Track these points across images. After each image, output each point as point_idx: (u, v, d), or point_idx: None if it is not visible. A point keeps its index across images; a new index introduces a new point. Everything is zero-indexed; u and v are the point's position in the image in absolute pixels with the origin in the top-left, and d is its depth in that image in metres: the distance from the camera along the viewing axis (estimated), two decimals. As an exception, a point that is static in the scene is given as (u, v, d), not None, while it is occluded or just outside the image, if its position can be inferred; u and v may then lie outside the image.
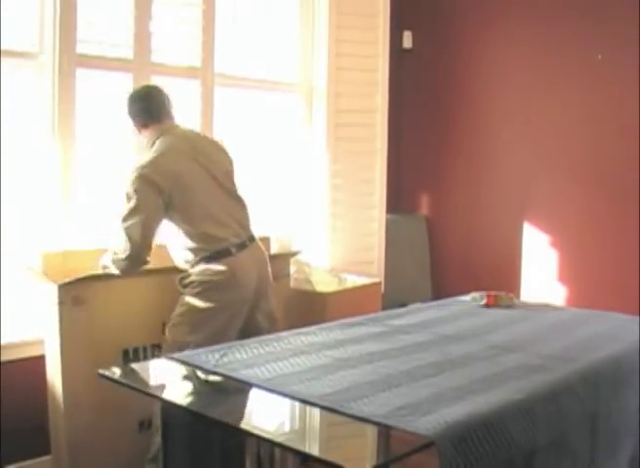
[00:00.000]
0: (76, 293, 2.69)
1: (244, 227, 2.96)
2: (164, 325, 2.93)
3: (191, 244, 2.83)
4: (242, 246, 2.89)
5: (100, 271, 2.84)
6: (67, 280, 2.68)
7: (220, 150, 3.05)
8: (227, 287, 2.82)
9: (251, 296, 2.90)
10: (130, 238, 2.70)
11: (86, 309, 2.71)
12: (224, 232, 2.86)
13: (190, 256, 2.85)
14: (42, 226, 3.11)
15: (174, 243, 2.90)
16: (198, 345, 2.49)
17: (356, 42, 4.22)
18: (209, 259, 2.82)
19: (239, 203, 3.00)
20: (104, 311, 2.77)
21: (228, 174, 3.00)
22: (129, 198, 2.72)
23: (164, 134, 2.90)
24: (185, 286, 2.85)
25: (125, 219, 2.72)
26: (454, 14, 4.56)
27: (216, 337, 2.65)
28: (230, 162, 3.05)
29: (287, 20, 4.12)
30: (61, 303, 2.66)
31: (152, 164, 2.78)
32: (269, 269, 3.03)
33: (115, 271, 2.79)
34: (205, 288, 2.81)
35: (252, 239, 2.97)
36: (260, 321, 2.94)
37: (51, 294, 2.69)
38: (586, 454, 2.12)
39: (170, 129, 2.94)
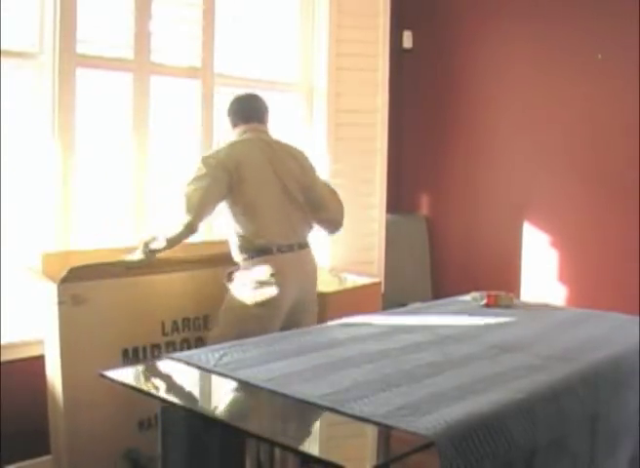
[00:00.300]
0: (76, 293, 2.69)
1: (296, 232, 3.01)
2: (163, 324, 2.94)
3: (240, 233, 2.92)
4: (287, 248, 2.94)
5: (134, 257, 2.90)
6: (64, 273, 2.67)
7: (297, 160, 3.11)
8: (265, 286, 2.88)
9: (288, 304, 2.94)
10: (188, 200, 2.81)
11: (86, 308, 2.71)
12: (271, 229, 2.92)
13: (239, 250, 2.95)
14: (42, 226, 3.11)
15: (230, 237, 2.98)
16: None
17: (356, 42, 4.22)
18: (252, 254, 2.91)
19: (300, 210, 3.05)
20: (104, 311, 2.77)
21: (299, 183, 3.05)
22: (197, 169, 2.87)
23: (247, 132, 3.05)
24: (230, 281, 2.95)
25: (189, 184, 2.85)
26: (454, 14, 4.56)
27: (252, 335, 2.68)
28: (304, 173, 3.09)
29: (287, 20, 4.11)
30: (61, 303, 2.66)
31: (223, 150, 2.97)
32: (316, 286, 3.13)
33: (160, 244, 2.85)
34: (244, 285, 2.89)
35: (302, 246, 3.02)
36: None
37: (50, 294, 2.69)
38: (586, 455, 2.12)
39: (253, 130, 3.06)
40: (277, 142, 3.12)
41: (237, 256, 2.97)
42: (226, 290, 2.95)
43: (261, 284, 2.88)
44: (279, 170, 2.99)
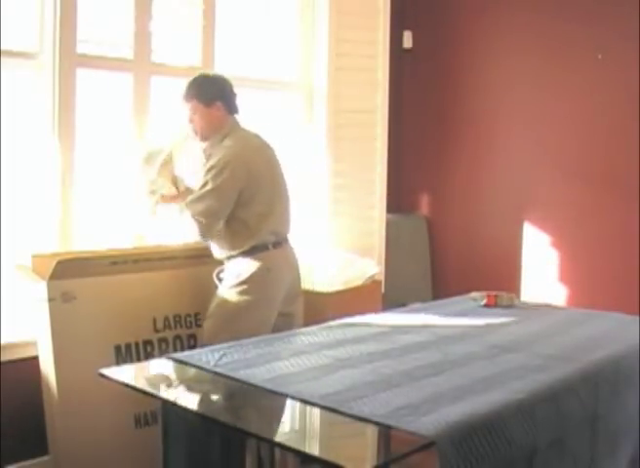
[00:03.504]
0: (65, 290, 2.68)
1: (284, 228, 3.02)
2: (155, 321, 2.95)
3: (236, 231, 2.88)
4: (277, 244, 2.95)
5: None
6: (51, 269, 2.66)
7: (275, 153, 3.11)
8: (262, 282, 2.87)
9: (281, 296, 2.95)
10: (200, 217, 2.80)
11: (75, 306, 2.71)
12: (267, 228, 2.91)
13: (229, 249, 2.91)
14: (40, 227, 3.10)
15: (223, 235, 2.93)
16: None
17: (356, 42, 4.22)
18: (246, 253, 2.88)
19: (288, 205, 3.07)
20: (94, 307, 2.77)
21: (284, 178, 3.08)
22: (212, 177, 2.81)
23: (239, 130, 3.00)
24: (221, 280, 2.93)
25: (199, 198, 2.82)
26: (454, 14, 4.56)
27: (248, 335, 2.64)
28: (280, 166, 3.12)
29: (287, 20, 4.11)
30: (51, 300, 2.66)
31: (236, 157, 2.87)
32: (300, 276, 3.11)
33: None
34: (239, 282, 2.87)
35: (287, 241, 3.03)
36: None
37: (40, 291, 2.68)
38: (586, 454, 2.12)
39: (241, 125, 3.03)
40: (260, 137, 3.09)
41: (226, 253, 2.92)
42: (216, 287, 2.93)
43: (257, 280, 2.86)
44: (274, 171, 3.02)
